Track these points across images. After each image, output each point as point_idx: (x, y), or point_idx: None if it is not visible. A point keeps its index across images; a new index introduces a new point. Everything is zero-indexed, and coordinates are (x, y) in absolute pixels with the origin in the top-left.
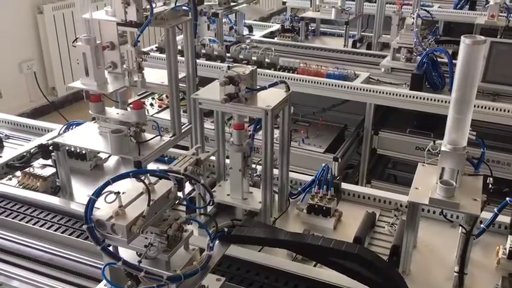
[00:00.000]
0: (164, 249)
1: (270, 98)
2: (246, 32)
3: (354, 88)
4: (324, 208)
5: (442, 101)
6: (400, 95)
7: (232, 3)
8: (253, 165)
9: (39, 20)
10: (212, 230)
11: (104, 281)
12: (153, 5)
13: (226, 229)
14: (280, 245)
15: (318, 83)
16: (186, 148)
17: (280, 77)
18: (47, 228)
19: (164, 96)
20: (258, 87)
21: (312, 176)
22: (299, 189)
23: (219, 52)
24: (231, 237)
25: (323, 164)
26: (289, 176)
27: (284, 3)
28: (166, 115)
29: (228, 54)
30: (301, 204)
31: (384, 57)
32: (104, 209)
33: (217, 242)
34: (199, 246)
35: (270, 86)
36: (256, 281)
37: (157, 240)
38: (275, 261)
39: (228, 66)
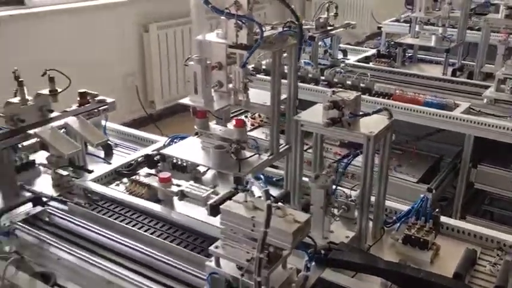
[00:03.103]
0: (265, 265)
1: (372, 124)
2: (340, 55)
3: (454, 118)
4: (421, 240)
5: None
6: (503, 128)
7: (329, 27)
8: (336, 204)
9: (144, 37)
10: (310, 250)
11: None
12: (263, 29)
13: (322, 251)
14: (378, 273)
15: (414, 110)
16: (277, 168)
17: (376, 103)
18: (150, 234)
19: (257, 115)
20: (361, 113)
21: (405, 205)
22: (394, 218)
23: (313, 75)
24: (328, 260)
25: (421, 195)
26: (385, 204)
27: (379, 28)
28: (258, 134)
29: (322, 78)
30: (396, 234)
31: (486, 87)
32: None
33: (313, 263)
34: (295, 266)
35: (374, 112)
36: None
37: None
38: None
39: (333, 91)
